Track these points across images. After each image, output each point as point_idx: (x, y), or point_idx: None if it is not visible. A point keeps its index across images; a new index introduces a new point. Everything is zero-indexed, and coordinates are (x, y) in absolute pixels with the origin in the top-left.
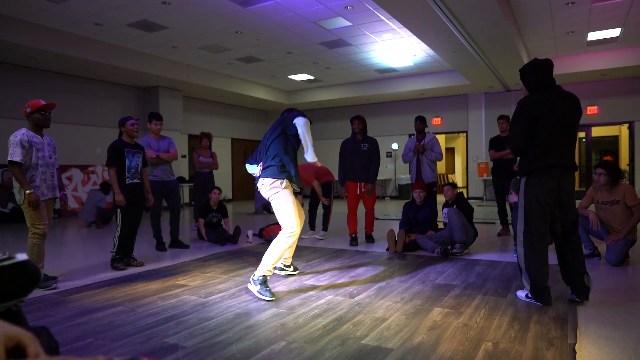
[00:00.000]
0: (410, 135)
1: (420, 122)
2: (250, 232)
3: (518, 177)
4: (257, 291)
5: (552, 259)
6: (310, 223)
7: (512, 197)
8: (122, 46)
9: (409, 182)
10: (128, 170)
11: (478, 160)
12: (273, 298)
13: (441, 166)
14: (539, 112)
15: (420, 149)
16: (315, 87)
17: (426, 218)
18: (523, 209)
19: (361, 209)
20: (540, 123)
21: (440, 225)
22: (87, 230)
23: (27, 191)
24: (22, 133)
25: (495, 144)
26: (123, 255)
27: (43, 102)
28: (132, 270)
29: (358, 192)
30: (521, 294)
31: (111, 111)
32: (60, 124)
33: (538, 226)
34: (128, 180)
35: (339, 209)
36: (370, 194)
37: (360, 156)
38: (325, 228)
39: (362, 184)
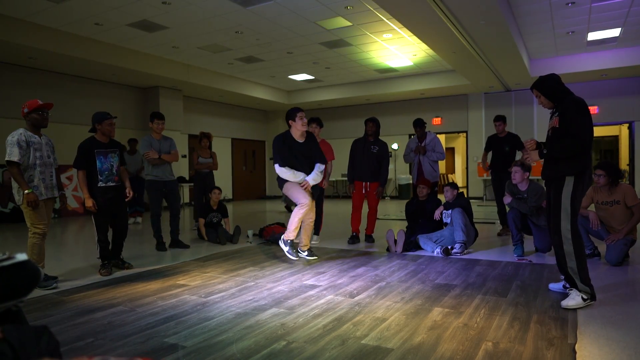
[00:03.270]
0: (410, 136)
1: (420, 127)
2: (250, 232)
3: (511, 181)
4: (287, 251)
5: (552, 259)
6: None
7: (507, 199)
8: (122, 46)
9: (409, 182)
10: (100, 172)
11: (478, 160)
12: (297, 259)
13: (441, 166)
14: (589, 113)
15: (422, 151)
16: (315, 87)
17: (432, 210)
18: (569, 208)
19: (364, 209)
20: (591, 126)
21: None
22: (87, 230)
23: (26, 191)
24: (19, 133)
25: (492, 143)
26: (109, 260)
27: (40, 102)
28: (132, 270)
29: (363, 192)
30: (574, 302)
31: (111, 111)
32: (60, 124)
33: (579, 224)
34: (101, 184)
35: (341, 208)
36: (379, 197)
37: (369, 157)
38: (317, 232)
39: (368, 183)
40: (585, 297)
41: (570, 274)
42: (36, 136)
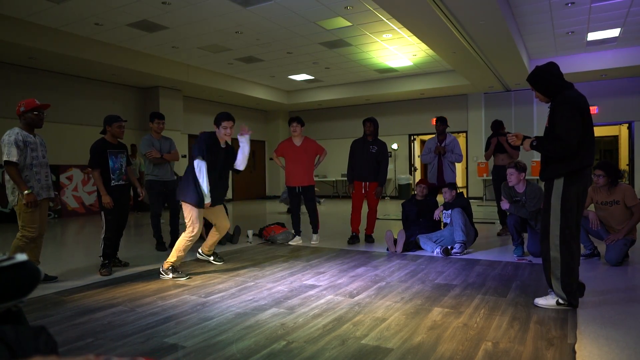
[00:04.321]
0: (411, 136)
1: (441, 122)
2: (250, 232)
3: (508, 182)
4: (174, 278)
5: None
6: (295, 227)
7: (504, 204)
8: (122, 46)
9: (409, 182)
10: (112, 172)
11: (478, 160)
12: (186, 277)
13: None
14: (585, 110)
15: (442, 151)
16: (315, 87)
17: (433, 210)
18: (559, 211)
19: (364, 209)
20: (586, 122)
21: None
22: (87, 230)
23: (26, 191)
24: (16, 133)
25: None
26: (110, 260)
27: (38, 102)
28: (132, 270)
29: (363, 192)
30: (546, 301)
31: (111, 111)
32: (60, 124)
33: (576, 227)
34: (113, 182)
35: (341, 208)
36: (379, 196)
37: (368, 157)
38: (315, 230)
39: (367, 183)
40: (561, 301)
41: (551, 279)
42: (31, 136)
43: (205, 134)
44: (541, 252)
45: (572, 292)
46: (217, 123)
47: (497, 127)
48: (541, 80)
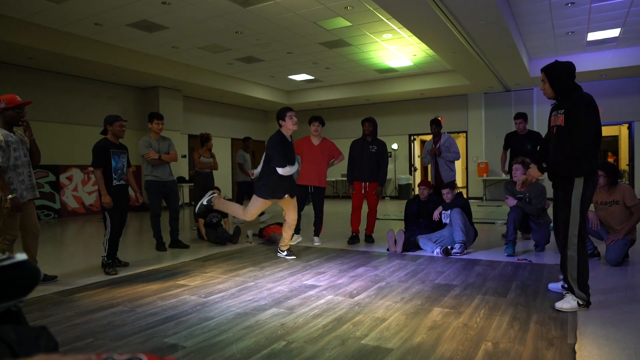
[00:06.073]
0: (411, 136)
1: (436, 125)
2: (250, 232)
3: (511, 179)
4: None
5: (551, 259)
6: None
7: (511, 201)
8: (122, 46)
9: (409, 182)
10: (114, 171)
11: (478, 160)
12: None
13: None
14: (598, 112)
15: (437, 152)
16: (315, 87)
17: (434, 209)
18: (579, 210)
19: (364, 209)
20: (599, 124)
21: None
22: (87, 230)
23: (10, 195)
24: None
25: (511, 141)
26: (113, 259)
27: (19, 99)
28: (132, 270)
29: (363, 192)
30: (569, 305)
31: (111, 111)
32: (60, 124)
33: (586, 227)
34: (115, 182)
35: (341, 208)
36: (379, 196)
37: (367, 157)
38: (317, 233)
39: (367, 183)
40: (581, 302)
41: (569, 280)
42: (12, 134)
43: (275, 139)
44: (560, 249)
45: (588, 291)
46: (282, 117)
47: (516, 118)
48: (558, 75)
